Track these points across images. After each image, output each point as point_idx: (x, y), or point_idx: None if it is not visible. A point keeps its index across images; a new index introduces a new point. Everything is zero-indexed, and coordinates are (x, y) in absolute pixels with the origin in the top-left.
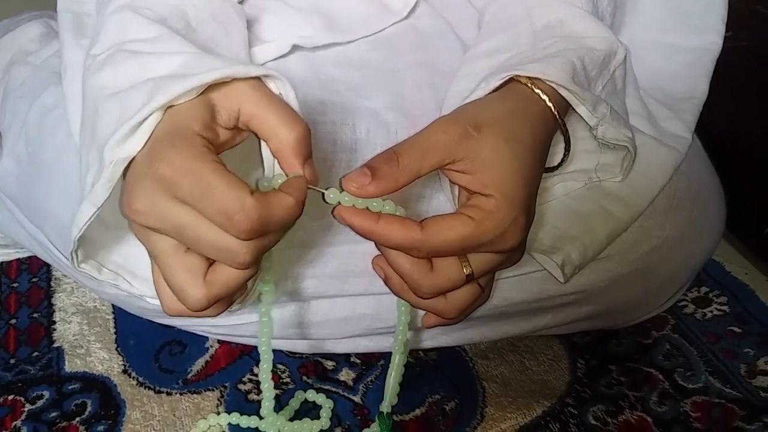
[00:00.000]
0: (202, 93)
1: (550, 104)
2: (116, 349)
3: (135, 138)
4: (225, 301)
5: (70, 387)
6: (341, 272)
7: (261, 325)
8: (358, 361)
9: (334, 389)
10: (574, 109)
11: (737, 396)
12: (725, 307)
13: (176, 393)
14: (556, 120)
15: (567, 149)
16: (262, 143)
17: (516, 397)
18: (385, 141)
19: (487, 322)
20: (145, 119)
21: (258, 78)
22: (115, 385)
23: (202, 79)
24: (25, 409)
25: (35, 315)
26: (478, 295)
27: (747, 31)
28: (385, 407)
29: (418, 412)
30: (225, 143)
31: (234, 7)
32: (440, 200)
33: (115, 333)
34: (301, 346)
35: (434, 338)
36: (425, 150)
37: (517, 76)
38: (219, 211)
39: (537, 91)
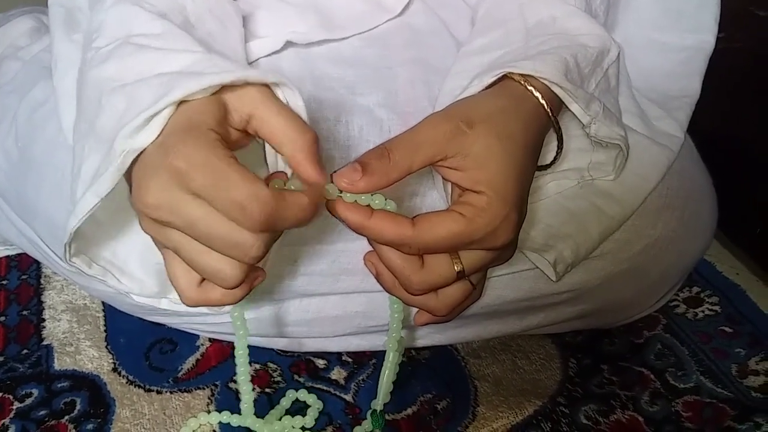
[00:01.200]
0: (215, 92)
1: (542, 102)
2: (106, 347)
3: (148, 130)
4: (249, 280)
5: (59, 385)
6: (333, 270)
7: (235, 329)
8: (350, 359)
9: (325, 388)
10: (567, 106)
11: (728, 396)
12: (717, 307)
13: (166, 391)
14: (548, 118)
15: (560, 147)
16: (267, 149)
17: (508, 396)
18: (378, 138)
19: (480, 321)
20: (159, 112)
21: (266, 85)
22: (105, 384)
23: (219, 79)
24: (14, 408)
25: (24, 312)
26: (469, 293)
27: (741, 32)
28: (378, 405)
29: (410, 411)
30: (235, 143)
31: (230, 2)
32: (433, 197)
33: (105, 331)
34: (293, 345)
35: (427, 337)
36: (417, 146)
37: (510, 73)
38: (233, 203)
39: (530, 88)
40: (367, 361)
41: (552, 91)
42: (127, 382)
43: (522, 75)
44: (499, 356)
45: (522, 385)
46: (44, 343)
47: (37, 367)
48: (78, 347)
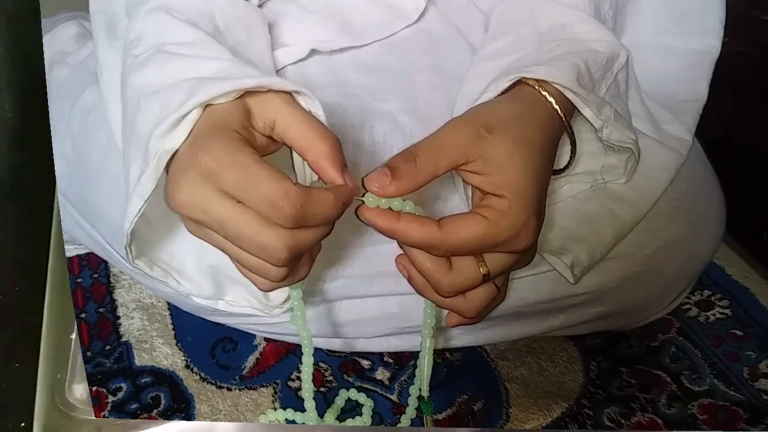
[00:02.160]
0: (239, 97)
1: (556, 107)
2: (176, 345)
3: (178, 131)
4: (308, 258)
5: (143, 380)
6: (368, 273)
7: (300, 332)
8: (391, 360)
9: (372, 388)
10: (579, 111)
11: (741, 399)
12: (727, 311)
13: (235, 388)
14: (562, 122)
15: (573, 151)
16: (294, 155)
17: (536, 399)
18: (401, 143)
19: (505, 322)
20: (187, 114)
21: (290, 93)
22: (182, 380)
23: (241, 84)
24: (109, 401)
25: (101, 310)
26: (494, 295)
27: (745, 36)
28: (424, 391)
29: (449, 411)
30: (260, 148)
31: (256, 11)
32: (455, 201)
33: (173, 329)
34: (337, 345)
35: (458, 338)
36: (440, 150)
37: (524, 78)
38: (264, 198)
39: (544, 93)
40: (406, 362)
41: (565, 96)
42: (200, 379)
43: (536, 80)
44: (526, 358)
45: (548, 387)
46: (123, 339)
47: (120, 362)
48: (152, 344)
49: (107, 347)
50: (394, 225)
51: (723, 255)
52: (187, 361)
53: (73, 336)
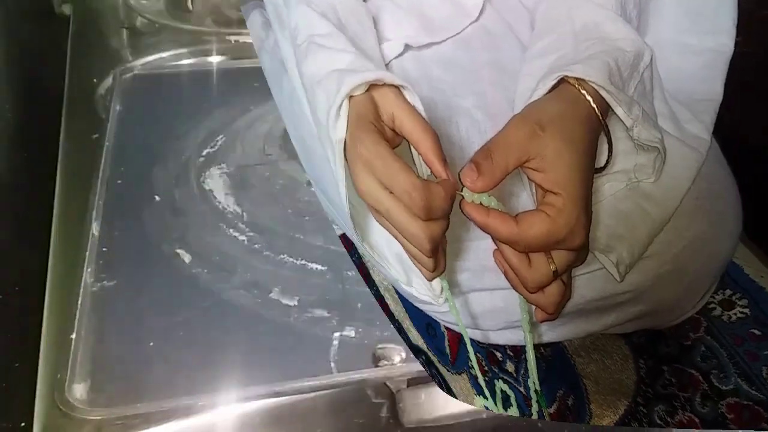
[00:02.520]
0: (367, 90)
1: (593, 105)
2: (413, 327)
3: (339, 122)
4: (442, 250)
5: (422, 358)
6: (477, 266)
7: (457, 322)
8: (512, 353)
9: (508, 379)
10: (612, 110)
11: (762, 398)
12: (746, 310)
13: (454, 373)
14: (599, 121)
15: (610, 150)
16: (413, 150)
17: (606, 395)
18: (478, 139)
19: (572, 320)
20: (341, 105)
21: (397, 87)
22: (433, 362)
23: (364, 78)
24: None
25: (374, 289)
26: (564, 291)
27: (757, 36)
28: (537, 385)
29: (554, 407)
30: (389, 141)
31: (363, 5)
32: (524, 197)
33: (406, 312)
34: (478, 336)
35: (545, 334)
36: (508, 148)
37: (566, 77)
38: (403, 190)
39: (583, 92)
40: (521, 356)
41: (599, 95)
42: (437, 361)
43: (576, 79)
44: (593, 355)
45: (612, 384)
46: (395, 317)
47: (408, 339)
48: (407, 325)
49: (396, 323)
50: (486, 219)
51: (740, 254)
52: (426, 344)
53: (73, 336)
